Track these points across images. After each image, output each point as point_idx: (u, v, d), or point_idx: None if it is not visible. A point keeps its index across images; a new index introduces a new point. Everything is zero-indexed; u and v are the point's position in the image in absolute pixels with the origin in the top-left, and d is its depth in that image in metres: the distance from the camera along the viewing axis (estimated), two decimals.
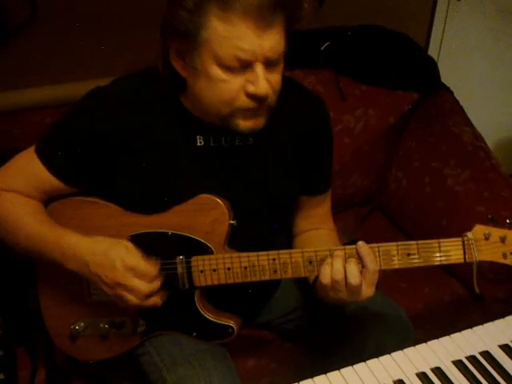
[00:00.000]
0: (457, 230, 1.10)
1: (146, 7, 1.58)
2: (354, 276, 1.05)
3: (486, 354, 1.09)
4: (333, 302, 1.11)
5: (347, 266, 1.06)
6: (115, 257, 1.09)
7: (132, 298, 1.10)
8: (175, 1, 1.01)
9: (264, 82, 1.02)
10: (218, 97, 1.05)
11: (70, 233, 1.15)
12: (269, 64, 1.03)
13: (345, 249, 1.09)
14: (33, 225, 1.17)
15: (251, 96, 1.04)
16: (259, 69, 1.01)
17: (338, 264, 1.07)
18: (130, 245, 1.12)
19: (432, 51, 2.30)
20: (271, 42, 1.00)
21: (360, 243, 1.08)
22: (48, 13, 1.60)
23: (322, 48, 1.94)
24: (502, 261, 1.08)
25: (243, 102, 1.05)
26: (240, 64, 1.01)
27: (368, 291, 1.08)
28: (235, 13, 0.96)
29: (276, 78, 1.06)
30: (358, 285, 1.06)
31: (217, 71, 1.02)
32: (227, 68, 1.02)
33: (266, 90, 1.03)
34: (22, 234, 1.17)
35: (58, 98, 1.65)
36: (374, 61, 1.97)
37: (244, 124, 1.08)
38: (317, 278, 1.12)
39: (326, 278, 1.07)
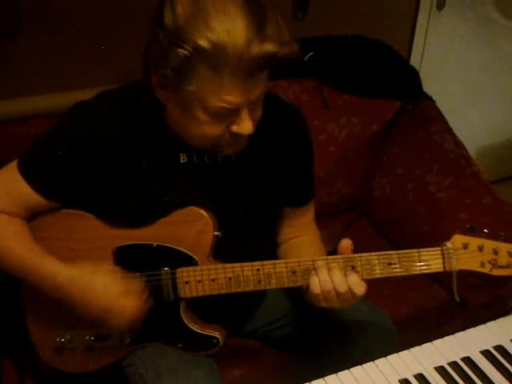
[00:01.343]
0: (439, 236, 1.12)
1: (132, 19, 1.59)
2: (340, 284, 1.07)
3: (468, 360, 1.11)
4: (324, 308, 1.12)
5: (332, 276, 1.07)
6: (96, 283, 1.12)
7: (121, 321, 1.13)
8: (159, 55, 0.97)
9: (249, 123, 1.03)
10: (201, 135, 1.07)
11: (50, 260, 1.15)
12: (253, 105, 1.04)
13: (327, 259, 1.10)
14: (13, 249, 1.16)
15: (235, 134, 1.05)
16: (245, 113, 1.02)
17: (323, 275, 1.08)
18: (109, 267, 1.15)
19: (414, 60, 2.32)
20: (257, 92, 1.01)
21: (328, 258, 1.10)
22: (32, 23, 1.59)
23: (306, 58, 1.94)
24: (480, 269, 1.10)
25: (226, 138, 1.07)
26: (226, 111, 1.01)
27: (358, 291, 1.08)
28: (223, 71, 0.94)
29: (258, 112, 1.07)
30: (346, 291, 1.07)
31: (202, 115, 1.02)
32: (213, 114, 1.02)
33: (251, 130, 1.04)
34: (3, 258, 1.17)
35: (43, 108, 1.64)
36: (357, 70, 1.98)
37: (228, 150, 1.11)
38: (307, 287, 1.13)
39: (316, 288, 1.08)
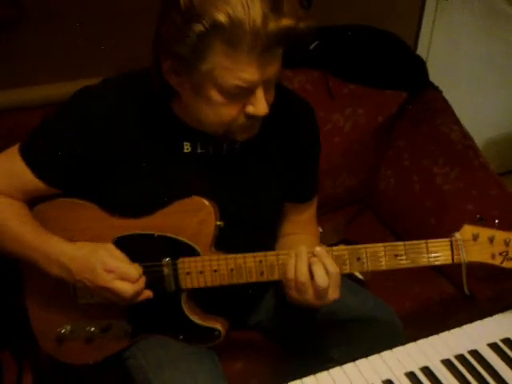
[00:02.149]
0: (446, 228, 1.09)
1: (136, 7, 1.57)
2: (321, 277, 1.04)
3: (475, 353, 1.09)
4: (300, 304, 1.10)
5: (314, 268, 1.05)
6: (95, 260, 1.09)
7: (119, 300, 1.10)
8: (175, 32, 0.96)
9: (265, 104, 1.02)
10: (217, 118, 1.05)
11: (53, 239, 1.14)
12: (267, 83, 1.02)
13: (332, 250, 1.08)
14: (17, 228, 1.16)
15: (250, 116, 1.04)
16: (260, 93, 1.01)
17: (301, 263, 1.05)
18: (111, 247, 1.12)
19: (421, 50, 2.30)
20: (272, 70, 0.99)
21: (317, 249, 1.06)
22: (34, 13, 1.58)
23: (311, 47, 1.93)
24: (490, 261, 1.06)
25: (242, 121, 1.05)
26: (241, 91, 1.00)
27: (334, 294, 1.07)
28: (240, 47, 0.93)
29: (272, 93, 1.06)
30: (326, 287, 1.04)
31: (217, 96, 1.01)
32: (227, 93, 1.00)
33: (267, 111, 1.03)
34: (6, 237, 1.16)
35: (45, 98, 1.63)
36: (363, 60, 1.96)
37: (241, 135, 1.09)
38: None
39: (290, 273, 1.06)
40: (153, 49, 1.04)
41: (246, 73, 0.96)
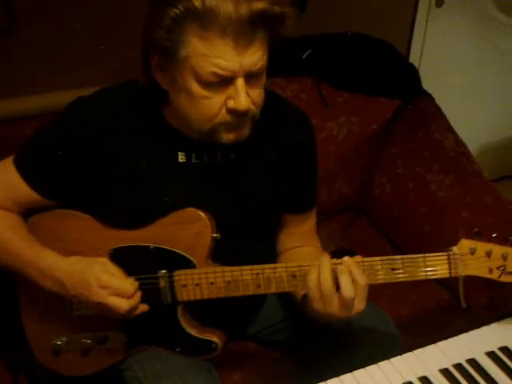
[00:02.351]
0: (440, 235, 1.10)
1: (128, 16, 1.56)
2: (347, 288, 1.01)
3: (473, 362, 1.09)
4: (323, 318, 1.07)
5: (341, 278, 1.02)
6: (90, 276, 1.08)
7: (114, 314, 1.10)
8: (153, 18, 0.99)
9: (245, 96, 1.01)
10: (199, 113, 1.04)
11: (47, 252, 1.13)
12: (250, 77, 1.01)
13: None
14: (10, 241, 1.15)
15: (232, 111, 1.02)
16: (240, 84, 1.00)
17: (325, 272, 1.02)
18: (106, 262, 1.11)
19: (413, 58, 2.31)
20: (252, 58, 0.99)
21: (346, 258, 1.04)
22: (26, 22, 1.57)
23: (304, 56, 1.93)
24: (488, 276, 1.06)
25: (223, 117, 1.04)
26: (219, 80, 0.99)
27: (359, 305, 1.04)
28: (214, 31, 0.95)
29: (257, 92, 1.05)
30: (353, 298, 1.01)
31: (197, 88, 1.01)
32: (207, 84, 1.00)
33: (247, 106, 1.02)
34: (0, 250, 1.15)
35: (39, 108, 1.62)
36: (356, 68, 1.97)
37: (227, 136, 1.07)
38: (305, 295, 1.09)
39: (312, 283, 1.03)
40: (142, 46, 1.06)
41: (222, 59, 0.97)
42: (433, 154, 1.89)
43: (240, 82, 1.00)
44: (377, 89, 1.98)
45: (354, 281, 1.02)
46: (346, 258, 1.04)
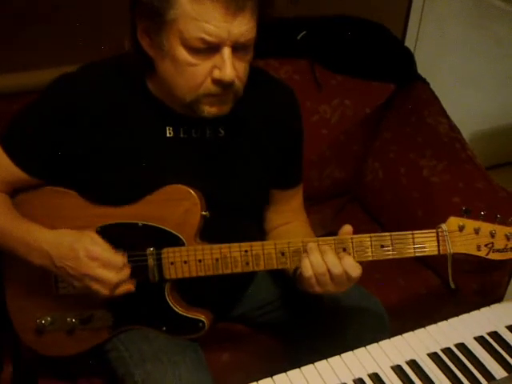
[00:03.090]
0: (432, 220, 1.09)
1: (127, 17, 1.55)
2: (334, 265, 1.02)
3: (462, 346, 1.09)
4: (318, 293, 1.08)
5: (326, 258, 1.03)
6: (79, 247, 1.07)
7: (101, 289, 1.08)
8: None
9: (231, 67, 1.00)
10: (183, 80, 1.03)
11: (35, 227, 1.12)
12: (237, 49, 1.00)
13: (318, 241, 1.07)
14: None
15: (217, 82, 1.02)
16: (226, 53, 0.99)
17: (315, 257, 1.04)
18: (95, 235, 1.10)
19: (408, 42, 2.29)
20: (240, 27, 0.98)
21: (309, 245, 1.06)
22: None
23: (299, 37, 1.91)
24: (476, 253, 1.07)
25: (208, 87, 1.03)
26: (206, 46, 0.98)
27: (354, 272, 1.04)
28: None
29: (243, 66, 1.04)
30: (342, 273, 1.03)
31: (183, 53, 0.99)
32: (194, 50, 0.99)
33: (232, 76, 1.01)
34: None
35: (25, 85, 1.59)
36: (351, 51, 1.95)
37: (209, 110, 1.06)
38: (296, 269, 1.10)
39: (308, 271, 1.04)
40: (130, 10, 1.04)
41: (210, 24, 0.96)
42: (426, 139, 1.88)
43: (227, 50, 0.99)
44: (371, 72, 1.96)
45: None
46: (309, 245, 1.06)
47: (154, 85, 1.11)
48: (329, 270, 1.03)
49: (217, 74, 1.00)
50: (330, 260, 1.03)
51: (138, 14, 1.02)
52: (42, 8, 1.60)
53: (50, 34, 1.64)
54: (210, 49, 0.99)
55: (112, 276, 1.07)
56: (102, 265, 1.07)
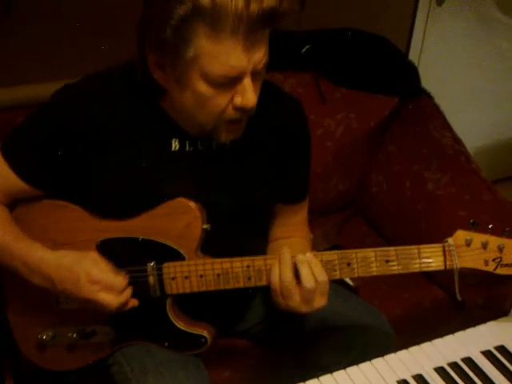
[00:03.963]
0: (438, 234, 1.07)
1: (120, 7, 1.54)
2: (308, 279, 1.02)
3: (468, 361, 1.07)
4: (287, 311, 1.07)
5: (301, 269, 1.02)
6: (80, 271, 1.06)
7: (103, 310, 1.07)
8: (157, 15, 0.95)
9: (252, 93, 1.00)
10: (206, 111, 1.03)
11: (35, 246, 1.11)
12: (255, 74, 1.00)
13: (322, 254, 1.05)
14: None
15: (239, 108, 1.01)
16: (248, 82, 0.99)
17: (284, 264, 1.03)
18: (96, 256, 1.09)
19: (412, 56, 2.29)
20: (259, 56, 0.97)
21: (308, 254, 1.05)
22: (21, 11, 1.56)
23: (303, 51, 1.91)
24: (483, 268, 1.04)
25: (229, 114, 1.03)
26: (229, 80, 0.98)
27: (320, 301, 1.04)
28: (224, 31, 0.92)
29: (259, 87, 1.04)
30: (313, 289, 1.02)
31: (204, 87, 0.99)
32: (216, 85, 0.98)
33: (255, 102, 1.01)
34: None
35: (30, 97, 1.59)
36: (355, 64, 1.96)
37: (226, 136, 1.07)
38: None
39: (275, 278, 1.04)
40: (137, 42, 1.02)
41: (232, 58, 0.94)
42: (431, 151, 1.87)
43: (248, 79, 0.98)
44: (375, 86, 1.96)
45: (313, 274, 1.02)
46: (307, 254, 1.04)
47: (168, 104, 1.10)
48: (301, 282, 1.02)
49: (239, 101, 1.00)
50: (306, 273, 1.02)
51: (148, 47, 1.00)
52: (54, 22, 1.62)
53: (53, 47, 1.65)
54: (232, 81, 0.98)
55: (113, 299, 1.06)
56: (104, 288, 1.06)
